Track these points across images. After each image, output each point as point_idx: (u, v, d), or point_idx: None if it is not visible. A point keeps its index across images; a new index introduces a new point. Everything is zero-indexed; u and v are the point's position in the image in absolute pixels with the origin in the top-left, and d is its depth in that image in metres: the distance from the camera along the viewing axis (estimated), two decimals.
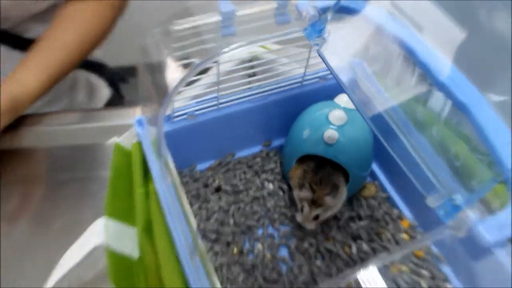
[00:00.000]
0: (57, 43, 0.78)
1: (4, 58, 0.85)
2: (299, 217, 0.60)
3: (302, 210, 0.60)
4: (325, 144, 0.61)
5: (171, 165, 0.52)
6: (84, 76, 1.03)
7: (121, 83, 1.10)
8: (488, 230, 0.35)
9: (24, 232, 0.64)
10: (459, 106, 0.39)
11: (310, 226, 0.60)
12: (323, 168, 0.60)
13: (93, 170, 0.72)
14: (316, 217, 0.59)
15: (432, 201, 0.39)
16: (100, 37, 0.83)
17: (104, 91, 1.06)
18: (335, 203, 0.60)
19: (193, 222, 0.47)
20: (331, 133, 0.60)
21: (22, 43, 0.85)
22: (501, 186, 0.41)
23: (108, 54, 1.07)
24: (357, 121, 0.62)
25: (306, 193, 0.59)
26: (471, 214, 0.36)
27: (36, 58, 0.75)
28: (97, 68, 1.05)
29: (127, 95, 1.11)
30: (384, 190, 0.69)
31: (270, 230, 0.64)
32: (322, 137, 0.60)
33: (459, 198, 0.38)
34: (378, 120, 0.47)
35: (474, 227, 0.35)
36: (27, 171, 0.72)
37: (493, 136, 0.37)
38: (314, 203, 0.58)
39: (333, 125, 0.61)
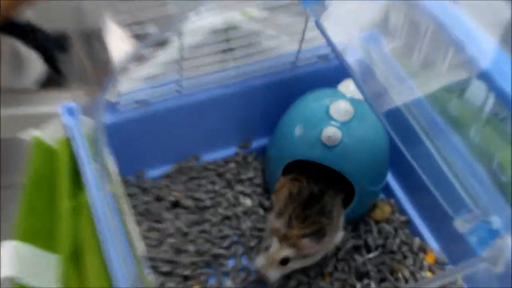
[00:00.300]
0: None
1: None
2: (259, 260, 0.57)
3: (267, 248, 0.58)
4: (324, 146, 0.61)
5: (113, 169, 0.52)
6: (9, 44, 1.02)
7: (58, 53, 1.10)
8: None
9: None
10: (504, 99, 0.40)
11: (273, 274, 0.57)
12: (318, 203, 0.59)
13: (2, 175, 0.73)
14: (284, 262, 0.57)
15: (461, 224, 0.40)
16: None
17: (36, 65, 1.05)
18: (316, 250, 0.58)
19: (140, 247, 0.47)
20: (332, 132, 0.60)
21: None
22: None
23: (38, 17, 1.06)
24: (367, 117, 0.63)
25: (279, 224, 0.57)
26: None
27: None
28: (27, 33, 1.04)
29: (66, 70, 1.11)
30: (402, 211, 0.69)
31: (245, 261, 0.64)
32: (319, 137, 0.61)
33: (497, 221, 0.38)
34: (396, 117, 0.48)
35: None
36: None
37: None
38: (286, 239, 0.57)
39: (335, 121, 0.61)
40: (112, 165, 0.52)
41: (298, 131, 0.63)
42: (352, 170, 0.62)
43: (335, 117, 0.61)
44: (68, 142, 0.63)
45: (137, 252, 0.47)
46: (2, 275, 0.56)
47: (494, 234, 0.38)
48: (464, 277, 0.62)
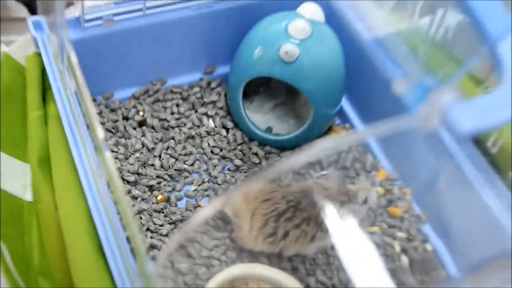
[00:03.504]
0: None
1: None
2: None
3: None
4: (282, 63, 0.64)
5: (78, 72, 0.53)
6: None
7: None
8: (464, 116, 0.39)
9: None
10: None
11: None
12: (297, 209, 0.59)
13: None
14: None
15: (399, 85, 0.43)
16: None
17: None
18: None
19: (99, 131, 0.47)
20: (289, 48, 0.64)
21: None
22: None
23: None
24: (325, 37, 0.66)
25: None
26: (445, 99, 0.40)
27: None
28: None
29: None
30: None
31: (207, 177, 0.68)
32: (277, 54, 0.64)
33: (430, 82, 0.42)
34: None
35: (447, 114, 0.39)
36: None
37: None
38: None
39: (293, 38, 0.65)
40: (77, 69, 0.53)
41: (257, 52, 0.66)
42: (308, 87, 0.65)
43: (293, 35, 0.64)
44: (37, 58, 0.66)
45: (96, 135, 0.47)
46: None
47: (428, 90, 0.40)
48: (393, 138, 0.64)
